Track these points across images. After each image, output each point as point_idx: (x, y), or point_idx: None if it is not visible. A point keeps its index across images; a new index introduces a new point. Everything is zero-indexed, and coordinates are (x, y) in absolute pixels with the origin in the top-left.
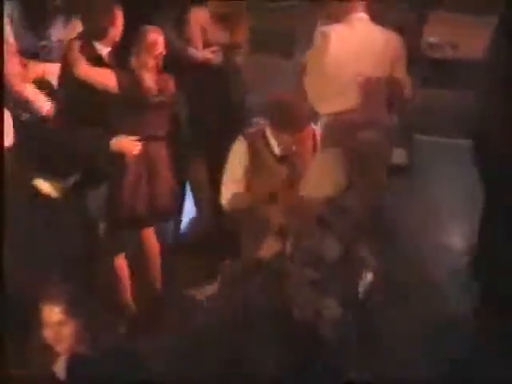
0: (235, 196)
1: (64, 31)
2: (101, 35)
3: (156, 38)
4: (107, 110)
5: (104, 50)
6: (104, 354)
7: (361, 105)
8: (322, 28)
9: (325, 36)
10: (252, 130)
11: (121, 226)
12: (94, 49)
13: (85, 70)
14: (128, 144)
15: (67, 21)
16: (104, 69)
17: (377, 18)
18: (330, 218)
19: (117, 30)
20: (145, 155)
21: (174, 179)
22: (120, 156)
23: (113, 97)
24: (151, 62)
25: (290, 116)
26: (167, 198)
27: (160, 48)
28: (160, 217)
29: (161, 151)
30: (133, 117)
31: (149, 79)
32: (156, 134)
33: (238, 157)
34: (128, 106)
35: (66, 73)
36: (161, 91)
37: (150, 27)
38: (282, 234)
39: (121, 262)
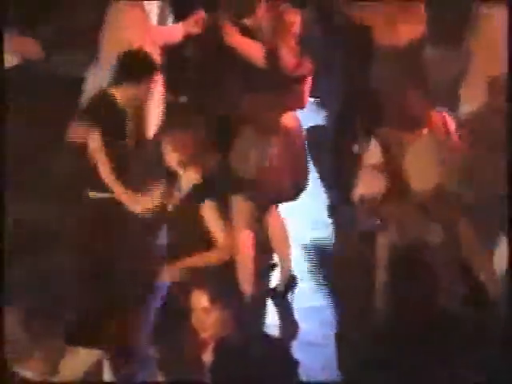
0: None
1: None
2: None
3: (294, 19)
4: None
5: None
6: (250, 341)
7: None
8: None
9: None
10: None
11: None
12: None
13: (236, 39)
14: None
15: None
16: (254, 41)
17: None
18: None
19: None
20: (285, 129)
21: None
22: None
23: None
24: (288, 41)
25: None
26: (304, 171)
27: (296, 28)
28: (299, 190)
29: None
30: (274, 91)
31: (286, 56)
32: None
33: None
34: (270, 81)
35: None
36: (297, 68)
37: (288, 7)
38: None
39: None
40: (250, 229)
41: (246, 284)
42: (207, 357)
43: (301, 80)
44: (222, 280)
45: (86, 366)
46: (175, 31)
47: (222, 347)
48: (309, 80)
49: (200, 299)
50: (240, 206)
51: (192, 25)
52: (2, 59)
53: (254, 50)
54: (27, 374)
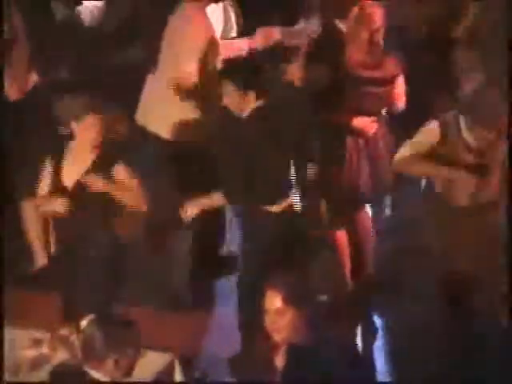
0: None
1: None
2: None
3: (374, 12)
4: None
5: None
6: (322, 344)
7: None
8: None
9: None
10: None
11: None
12: None
13: None
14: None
15: None
16: None
17: None
18: None
19: None
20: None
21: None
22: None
23: None
24: (364, 35)
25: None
26: (386, 175)
27: (378, 23)
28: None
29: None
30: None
31: (358, 52)
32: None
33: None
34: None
35: None
36: (375, 67)
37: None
38: None
39: (342, 237)
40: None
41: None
42: (279, 360)
43: (383, 82)
44: (296, 281)
45: (157, 368)
46: (241, 45)
47: (293, 350)
48: (397, 82)
49: (274, 300)
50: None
51: (259, 40)
52: None
53: None
54: (98, 375)
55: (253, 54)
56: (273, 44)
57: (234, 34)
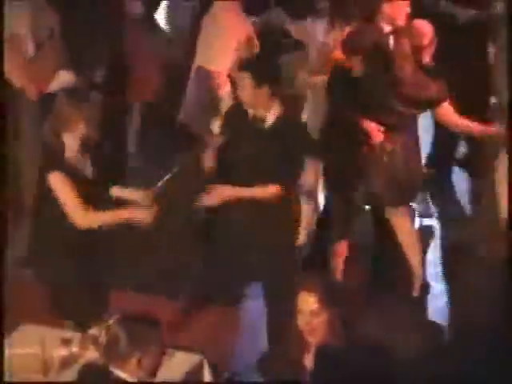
0: None
1: None
2: None
3: (423, 29)
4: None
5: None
6: (354, 345)
7: None
8: None
9: None
10: None
11: None
12: None
13: None
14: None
15: None
16: None
17: None
18: None
19: None
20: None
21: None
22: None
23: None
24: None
25: None
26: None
27: (426, 40)
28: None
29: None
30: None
31: (404, 69)
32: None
33: None
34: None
35: None
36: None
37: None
38: None
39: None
40: None
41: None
42: (308, 360)
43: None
44: (330, 282)
45: (185, 368)
46: None
47: (324, 351)
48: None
49: (308, 301)
50: None
51: None
52: None
53: None
54: (123, 375)
55: None
56: None
57: None
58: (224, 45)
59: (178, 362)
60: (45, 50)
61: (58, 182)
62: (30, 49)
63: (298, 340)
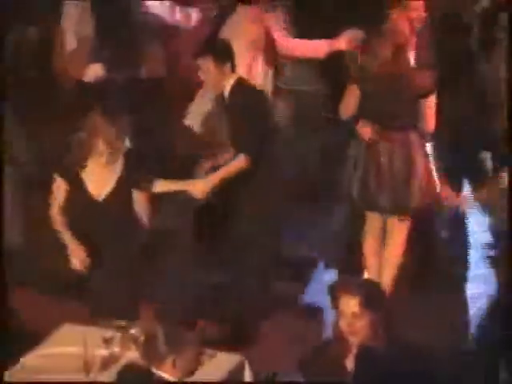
0: None
1: None
2: None
3: (402, 27)
4: None
5: None
6: (395, 347)
7: None
8: None
9: None
10: None
11: None
12: None
13: None
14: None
15: None
16: None
17: None
18: None
19: None
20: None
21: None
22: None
23: None
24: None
25: None
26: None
27: (403, 37)
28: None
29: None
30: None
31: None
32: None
33: None
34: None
35: None
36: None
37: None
38: None
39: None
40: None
41: None
42: (349, 361)
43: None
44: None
45: (226, 369)
46: (320, 47)
47: (366, 352)
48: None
49: (350, 304)
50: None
51: (342, 43)
52: None
53: None
54: (162, 375)
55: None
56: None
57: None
58: (245, 47)
59: (219, 363)
60: (82, 45)
61: None
62: (73, 43)
63: (340, 341)
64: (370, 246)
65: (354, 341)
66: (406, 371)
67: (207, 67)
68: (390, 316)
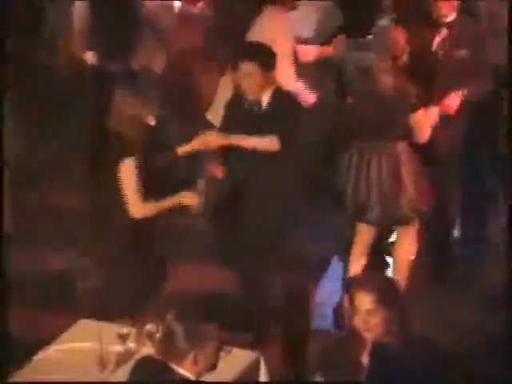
0: None
1: None
2: None
3: (398, 38)
4: None
5: None
6: (409, 344)
7: None
8: None
9: None
10: None
11: None
12: None
13: None
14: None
15: None
16: None
17: None
18: None
19: None
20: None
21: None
22: None
23: None
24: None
25: None
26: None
27: (400, 49)
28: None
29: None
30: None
31: (384, 79)
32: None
33: None
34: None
35: None
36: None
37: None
38: None
39: None
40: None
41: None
42: (365, 359)
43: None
44: (386, 283)
45: (242, 366)
46: (310, 51)
47: (381, 348)
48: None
49: (364, 301)
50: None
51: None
52: None
53: None
54: (180, 371)
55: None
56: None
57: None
58: None
59: (235, 360)
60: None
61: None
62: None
63: (355, 337)
64: (356, 252)
65: (369, 337)
66: (420, 368)
67: (250, 72)
68: (404, 313)
